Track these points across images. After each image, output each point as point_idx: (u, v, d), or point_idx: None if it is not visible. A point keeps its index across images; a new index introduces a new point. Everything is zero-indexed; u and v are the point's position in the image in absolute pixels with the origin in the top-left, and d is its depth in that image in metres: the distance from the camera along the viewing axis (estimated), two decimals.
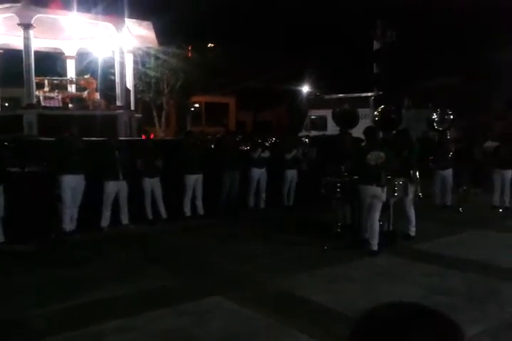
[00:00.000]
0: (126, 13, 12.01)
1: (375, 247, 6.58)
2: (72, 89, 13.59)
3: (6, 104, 16.21)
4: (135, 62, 16.46)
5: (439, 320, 0.92)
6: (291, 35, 25.74)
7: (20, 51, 11.39)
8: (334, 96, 20.32)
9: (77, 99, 12.71)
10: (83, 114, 11.74)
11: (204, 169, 9.10)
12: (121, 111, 12.23)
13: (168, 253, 6.91)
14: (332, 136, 12.11)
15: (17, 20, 10.90)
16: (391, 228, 7.28)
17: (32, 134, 10.71)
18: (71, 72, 14.31)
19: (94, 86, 13.37)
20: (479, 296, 5.02)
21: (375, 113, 9.24)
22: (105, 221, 8.13)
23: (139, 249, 7.11)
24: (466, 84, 21.48)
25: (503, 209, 9.79)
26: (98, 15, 11.59)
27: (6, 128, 10.54)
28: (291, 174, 10.11)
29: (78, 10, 11.13)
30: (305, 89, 29.79)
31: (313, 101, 23.52)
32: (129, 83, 13.82)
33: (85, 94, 12.95)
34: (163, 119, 24.15)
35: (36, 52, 11.67)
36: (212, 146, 10.18)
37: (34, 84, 11.36)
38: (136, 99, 16.41)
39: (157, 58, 21.49)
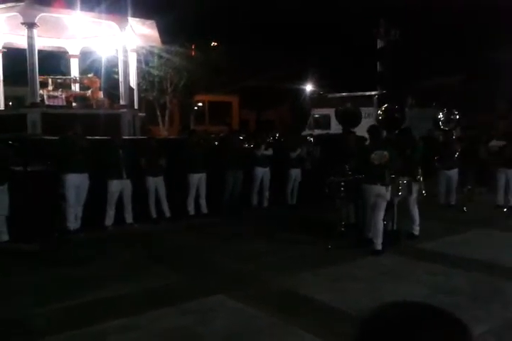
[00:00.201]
0: (129, 12, 12.02)
1: (379, 246, 6.57)
2: (75, 88, 13.60)
3: (10, 103, 16.28)
4: (138, 61, 16.50)
5: (446, 319, 0.91)
6: (295, 33, 25.73)
7: (24, 50, 11.42)
8: (337, 94, 20.33)
9: (81, 98, 12.74)
10: (87, 113, 11.74)
11: (207, 168, 9.11)
12: (124, 110, 12.23)
13: (171, 252, 6.92)
14: (335, 134, 12.09)
15: (21, 19, 10.93)
16: (395, 227, 7.26)
17: (36, 133, 10.72)
18: (75, 71, 14.34)
19: (98, 85, 13.40)
20: (484, 295, 5.00)
21: (379, 112, 9.22)
22: (109, 220, 8.15)
23: (143, 248, 7.12)
24: (467, 83, 21.44)
25: (507, 209, 9.74)
26: (101, 14, 11.62)
27: (10, 127, 10.54)
28: (296, 173, 10.11)
29: (82, 9, 11.14)
30: (308, 87, 29.76)
31: (317, 99, 23.49)
32: (133, 82, 13.82)
33: (89, 93, 12.97)
34: (166, 118, 24.16)
35: (40, 51, 11.72)
36: (216, 144, 10.18)
37: (38, 83, 11.37)
38: (140, 98, 16.44)
39: (160, 57, 21.52)
